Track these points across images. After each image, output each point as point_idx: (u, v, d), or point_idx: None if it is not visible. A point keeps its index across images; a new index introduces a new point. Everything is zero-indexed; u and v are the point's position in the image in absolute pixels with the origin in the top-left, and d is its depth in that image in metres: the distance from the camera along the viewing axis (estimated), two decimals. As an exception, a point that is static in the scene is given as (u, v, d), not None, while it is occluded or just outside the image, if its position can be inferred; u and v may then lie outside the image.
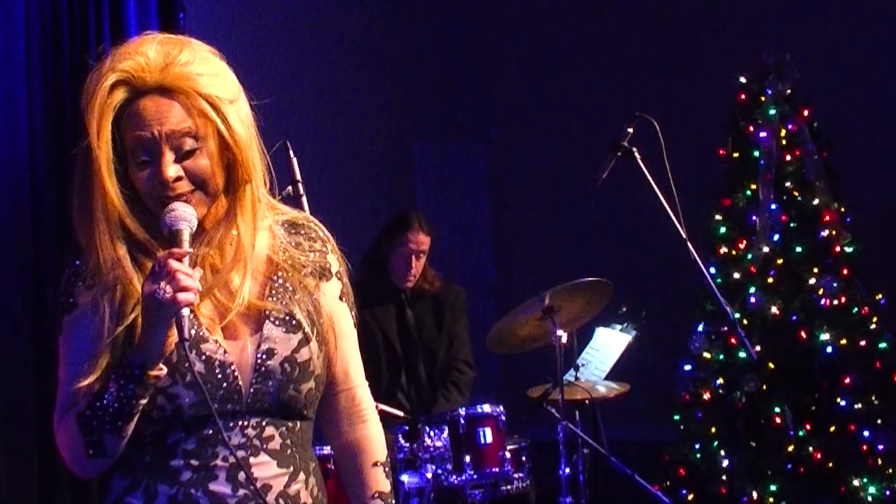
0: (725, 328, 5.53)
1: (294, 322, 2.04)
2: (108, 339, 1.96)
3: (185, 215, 1.94)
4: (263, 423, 2.01)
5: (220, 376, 1.97)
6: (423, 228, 5.06)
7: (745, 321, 5.49)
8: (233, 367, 1.99)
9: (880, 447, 5.48)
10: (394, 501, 2.20)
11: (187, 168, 1.96)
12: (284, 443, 2.03)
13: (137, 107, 1.95)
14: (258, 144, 2.04)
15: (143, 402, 1.93)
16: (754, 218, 5.67)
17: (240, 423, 1.99)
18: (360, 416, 2.19)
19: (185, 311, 1.87)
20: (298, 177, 3.38)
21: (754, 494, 5.47)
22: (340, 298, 2.16)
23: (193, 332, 1.96)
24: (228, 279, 2.00)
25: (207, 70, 1.97)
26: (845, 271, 5.63)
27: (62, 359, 2.02)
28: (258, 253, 2.07)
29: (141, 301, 1.91)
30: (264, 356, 2.01)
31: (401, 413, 4.48)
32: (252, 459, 2.00)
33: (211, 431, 1.97)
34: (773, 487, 5.43)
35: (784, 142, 5.73)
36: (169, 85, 1.95)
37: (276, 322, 2.03)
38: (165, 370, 1.93)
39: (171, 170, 1.94)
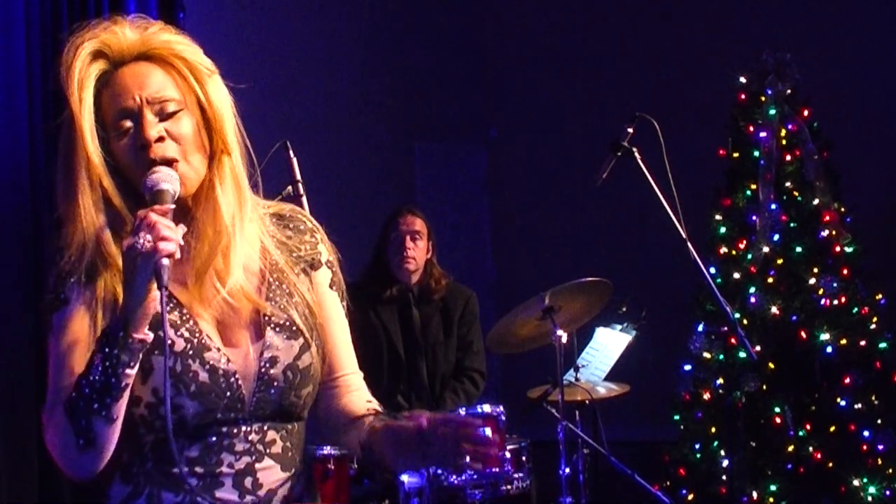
0: (725, 328, 5.53)
1: (295, 328, 2.02)
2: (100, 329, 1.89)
3: (168, 177, 1.89)
4: (265, 428, 2.00)
5: (223, 385, 1.95)
6: (413, 212, 5.07)
7: (745, 321, 5.49)
8: (236, 376, 1.96)
9: (880, 447, 5.47)
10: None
11: (170, 130, 1.93)
12: (285, 445, 2.03)
13: (117, 77, 1.94)
14: (237, 127, 2.01)
15: (131, 373, 1.84)
16: (754, 218, 5.67)
17: (243, 429, 1.98)
18: (357, 396, 2.16)
19: (165, 262, 1.80)
20: (298, 177, 3.38)
21: (754, 494, 5.46)
22: (331, 287, 2.14)
23: (196, 340, 1.93)
24: (214, 263, 1.94)
25: (185, 42, 1.99)
26: (845, 271, 5.63)
27: (53, 357, 1.93)
28: (251, 241, 2.03)
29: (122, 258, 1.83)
30: (267, 365, 1.99)
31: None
32: (257, 465, 1.98)
33: (215, 439, 1.96)
34: (773, 487, 5.43)
35: (784, 142, 5.73)
36: (149, 52, 1.95)
37: (277, 329, 2.01)
38: (151, 335, 1.85)
39: (154, 130, 1.91)
